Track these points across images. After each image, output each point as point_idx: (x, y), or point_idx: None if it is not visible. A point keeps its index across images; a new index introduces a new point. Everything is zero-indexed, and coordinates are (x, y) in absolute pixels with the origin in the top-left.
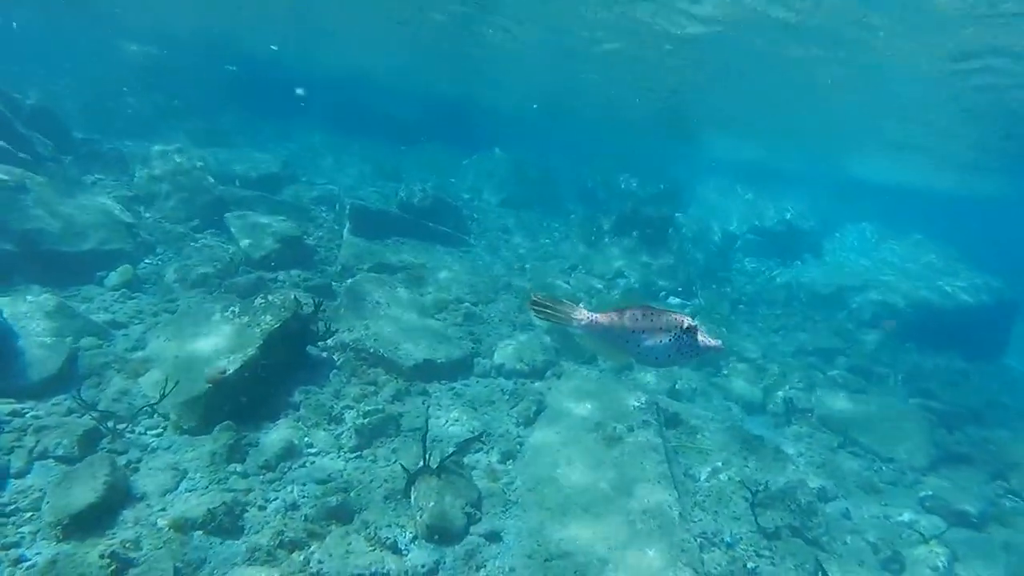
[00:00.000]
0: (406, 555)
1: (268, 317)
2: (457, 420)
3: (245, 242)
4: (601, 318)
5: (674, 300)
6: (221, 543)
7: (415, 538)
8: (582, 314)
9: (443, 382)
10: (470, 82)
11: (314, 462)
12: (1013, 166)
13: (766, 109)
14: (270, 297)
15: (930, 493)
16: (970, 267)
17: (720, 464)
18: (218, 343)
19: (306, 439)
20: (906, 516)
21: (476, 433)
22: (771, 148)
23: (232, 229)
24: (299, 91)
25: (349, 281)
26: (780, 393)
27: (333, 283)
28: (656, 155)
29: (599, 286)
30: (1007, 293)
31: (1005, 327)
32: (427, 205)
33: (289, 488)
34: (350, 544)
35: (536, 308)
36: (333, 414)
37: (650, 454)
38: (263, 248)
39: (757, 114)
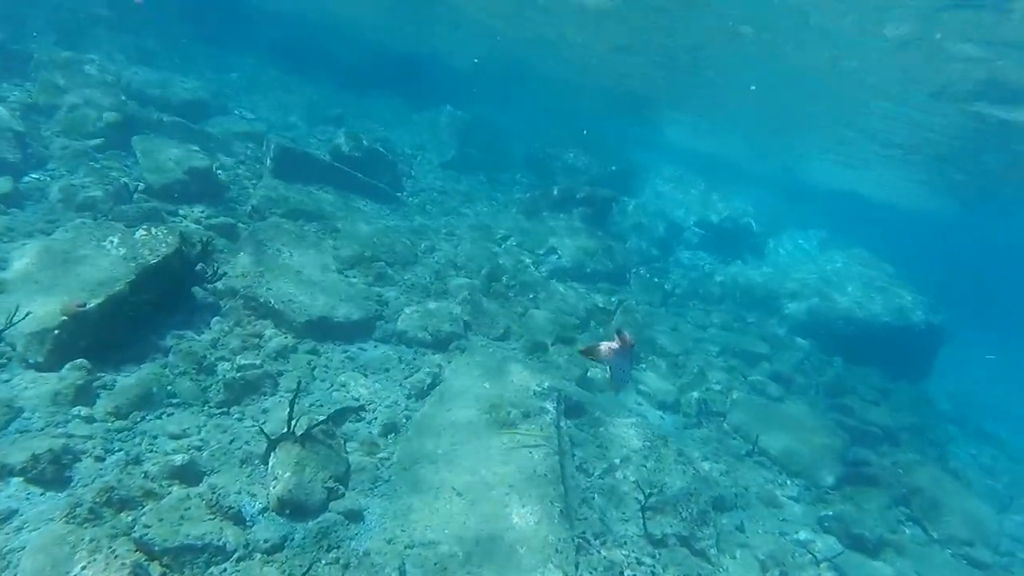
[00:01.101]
0: (250, 527)
1: (146, 251)
2: (344, 385)
3: (148, 169)
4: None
5: (605, 285)
6: (41, 494)
7: (264, 509)
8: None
9: (338, 343)
10: (430, 31)
11: (172, 414)
12: (966, 187)
13: (736, 98)
14: (154, 230)
15: (831, 513)
16: (908, 287)
17: (618, 461)
18: (88, 273)
19: (169, 388)
20: (803, 535)
21: (360, 402)
22: (729, 143)
23: (137, 153)
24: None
25: (256, 224)
26: (695, 393)
27: (240, 224)
28: (615, 134)
29: (528, 260)
30: (938, 317)
31: (931, 351)
32: (360, 156)
33: (137, 440)
34: (188, 509)
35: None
36: (205, 364)
37: (541, 444)
38: (167, 177)
39: (723, 102)
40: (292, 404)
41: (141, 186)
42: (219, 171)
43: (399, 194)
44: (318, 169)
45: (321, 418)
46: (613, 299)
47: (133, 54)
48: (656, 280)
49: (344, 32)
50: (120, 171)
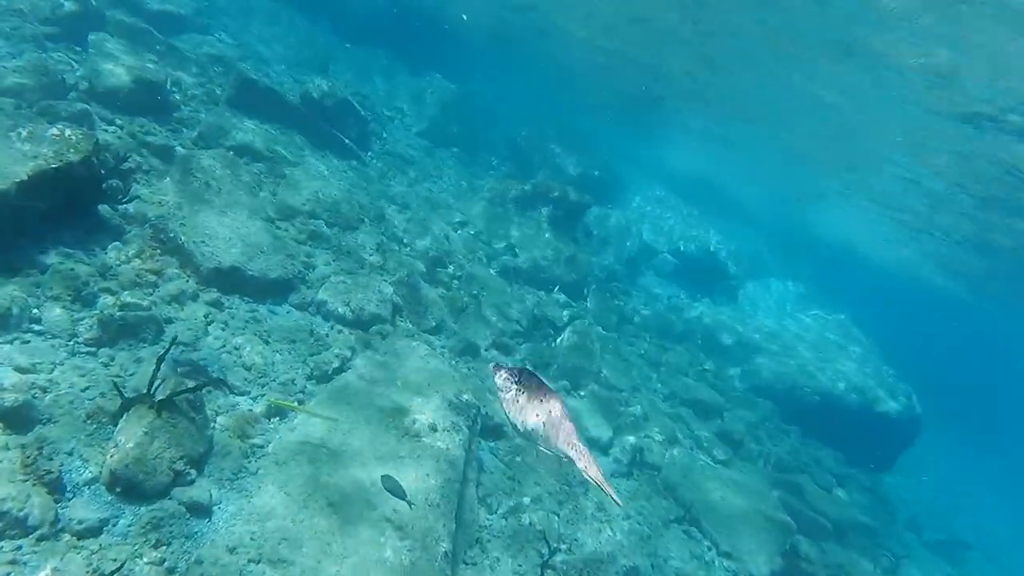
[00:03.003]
0: (65, 502)
1: (50, 153)
2: (236, 349)
3: (95, 69)
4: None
5: (560, 296)
6: None
7: (93, 481)
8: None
9: (247, 299)
10: None
11: (28, 341)
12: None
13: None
14: (68, 132)
15: None
16: (888, 368)
17: (527, 501)
18: None
19: (34, 311)
20: None
21: (255, 372)
22: (725, 169)
23: (91, 50)
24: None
25: (192, 151)
26: (632, 438)
27: (180, 148)
28: (608, 139)
29: (481, 253)
30: (914, 408)
31: (902, 443)
32: (331, 105)
33: None
34: None
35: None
36: (84, 293)
37: (443, 465)
38: (113, 82)
39: (738, 119)
40: (160, 360)
41: (84, 85)
42: (173, 88)
43: (364, 153)
44: (280, 108)
45: (192, 384)
46: (565, 313)
47: None
48: (616, 302)
49: None
50: (67, 65)
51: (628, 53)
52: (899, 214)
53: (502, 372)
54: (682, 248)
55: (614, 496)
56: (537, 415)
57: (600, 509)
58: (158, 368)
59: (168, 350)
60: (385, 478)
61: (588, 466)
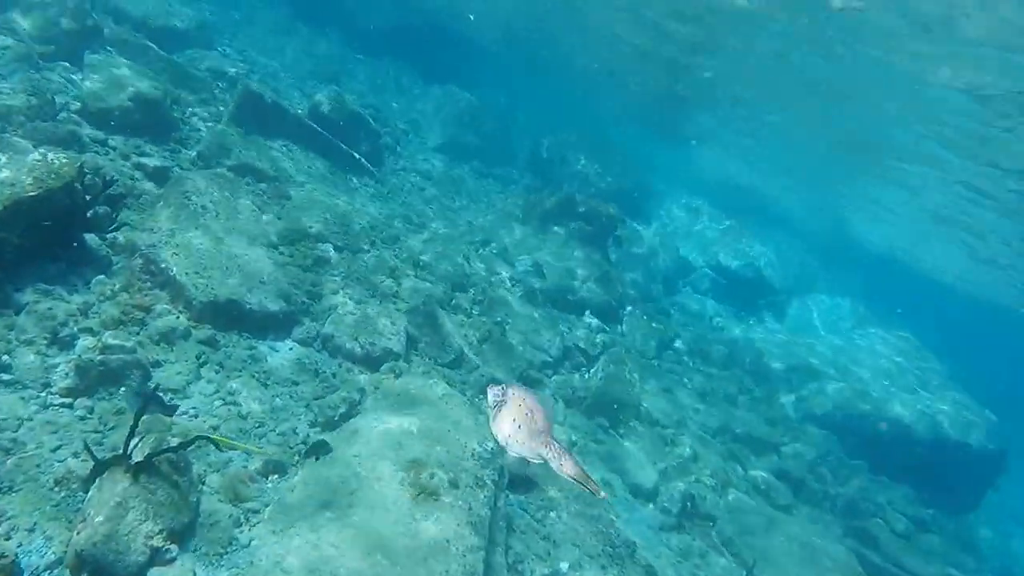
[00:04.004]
0: None
1: (29, 180)
2: (232, 395)
3: (89, 88)
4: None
5: (592, 320)
6: None
7: (56, 564)
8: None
9: (244, 336)
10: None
11: None
12: None
13: (785, 120)
14: (51, 156)
15: None
16: (965, 394)
17: (565, 568)
18: None
19: (3, 358)
20: None
21: (253, 421)
22: (765, 175)
23: (87, 68)
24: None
25: (186, 172)
26: (681, 484)
27: (178, 169)
28: (636, 145)
29: (505, 274)
30: (998, 437)
31: (985, 477)
32: (341, 119)
33: None
34: None
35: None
36: (61, 335)
37: (465, 531)
38: (108, 101)
39: (770, 125)
40: (138, 415)
41: (76, 105)
42: (174, 106)
43: (376, 169)
44: (287, 124)
45: (176, 442)
46: (599, 339)
47: None
48: (654, 325)
49: None
50: (60, 84)
51: (661, 50)
52: (958, 216)
53: (493, 389)
54: (722, 262)
55: (595, 489)
56: (514, 419)
57: (650, 572)
58: (136, 424)
59: (147, 402)
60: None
61: (563, 463)
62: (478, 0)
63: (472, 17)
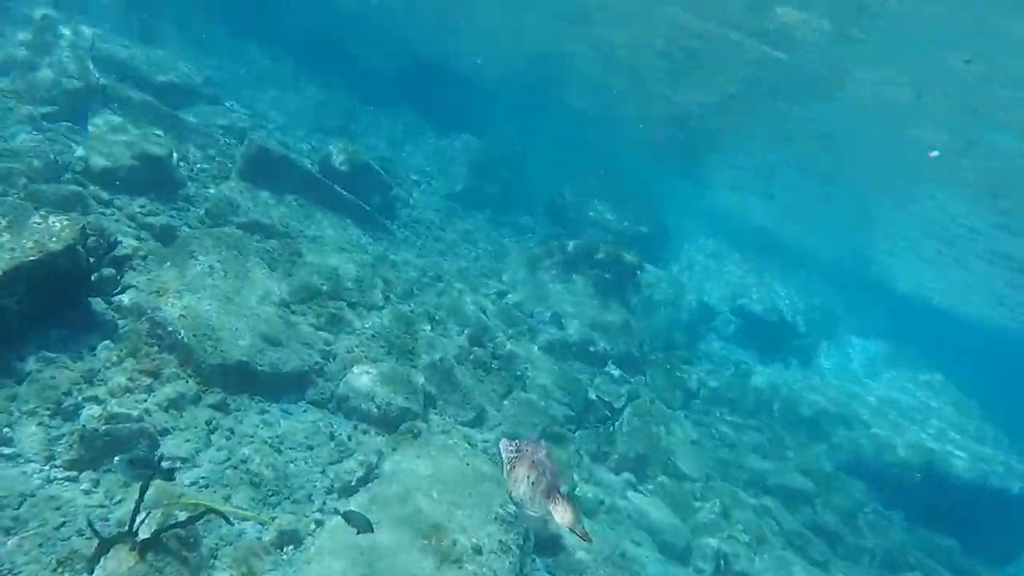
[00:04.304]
0: None
1: (28, 243)
2: (244, 462)
3: (93, 147)
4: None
5: (615, 371)
6: None
7: None
8: None
9: (256, 399)
10: (458, 44)
11: None
12: None
13: (804, 164)
14: (52, 219)
15: None
16: (999, 433)
17: None
18: None
19: (5, 430)
20: None
21: (266, 489)
22: (786, 216)
23: (90, 128)
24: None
25: (193, 231)
26: (713, 541)
27: (186, 228)
28: (654, 191)
29: (524, 327)
30: None
31: None
32: (350, 171)
33: None
34: None
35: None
36: (65, 404)
37: None
38: (111, 159)
39: (789, 168)
40: (143, 489)
41: (80, 166)
42: (180, 163)
43: (388, 222)
44: (297, 178)
45: (185, 517)
46: (623, 391)
47: (138, 31)
48: (678, 374)
49: (376, 33)
50: (64, 144)
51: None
52: (976, 258)
53: (506, 445)
54: (745, 306)
55: (582, 533)
56: (527, 475)
57: None
58: (141, 498)
59: (152, 476)
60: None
61: (566, 516)
62: (485, 46)
63: (480, 61)
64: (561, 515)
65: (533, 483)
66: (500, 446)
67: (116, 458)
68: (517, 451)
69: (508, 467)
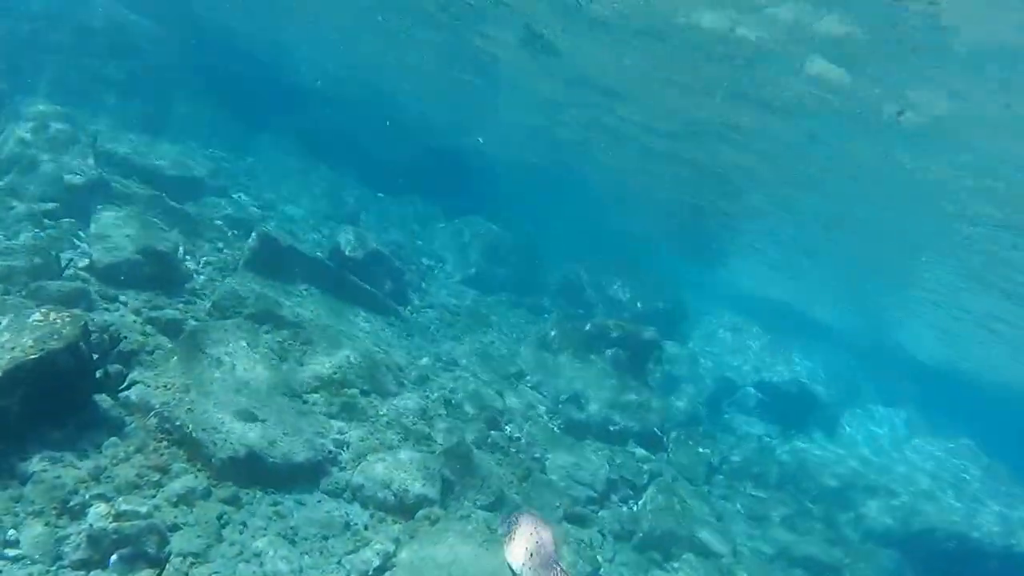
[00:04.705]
0: None
1: (28, 341)
2: (257, 556)
3: (97, 243)
4: None
5: (637, 450)
6: None
7: None
8: None
9: (269, 491)
10: (466, 127)
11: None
12: None
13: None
14: (53, 315)
15: None
16: None
17: None
18: None
19: (10, 532)
20: None
21: None
22: (804, 289)
23: (92, 225)
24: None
25: (199, 324)
26: None
27: (192, 321)
28: (668, 265)
29: (542, 408)
30: None
31: None
32: (361, 257)
33: None
34: None
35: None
36: (72, 503)
37: None
38: (115, 255)
39: (807, 239)
40: None
41: (84, 262)
42: (186, 257)
43: (401, 308)
44: (306, 267)
45: None
46: (645, 468)
47: (140, 122)
48: (701, 450)
49: (385, 120)
50: (67, 242)
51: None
52: (994, 323)
53: (506, 519)
54: (766, 379)
55: None
56: (526, 548)
57: None
58: None
59: (163, 568)
60: None
61: None
62: (494, 129)
63: (481, 139)
64: None
65: (532, 555)
66: (500, 521)
67: (113, 558)
68: (517, 524)
69: (508, 540)
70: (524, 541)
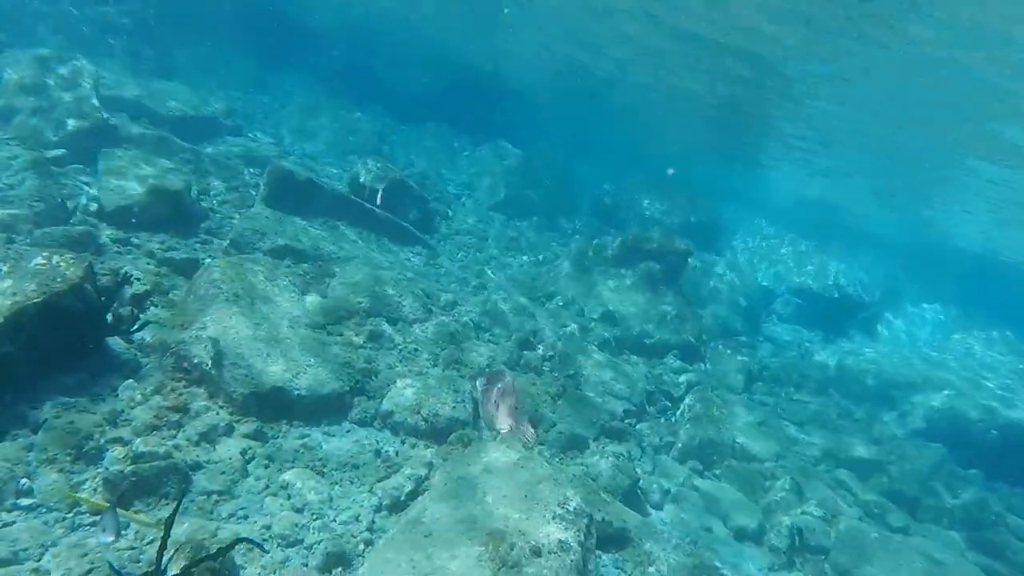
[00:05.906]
0: None
1: (31, 286)
2: (284, 488)
3: (105, 186)
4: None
5: (674, 362)
6: None
7: None
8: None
9: (296, 424)
10: (490, 54)
11: (13, 523)
12: None
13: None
14: (56, 259)
15: None
16: None
17: None
18: None
19: (23, 481)
20: None
21: (310, 513)
22: (842, 187)
23: (100, 169)
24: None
25: (213, 260)
26: (786, 519)
27: (209, 259)
28: (704, 177)
29: (574, 325)
30: None
31: None
32: (383, 188)
33: None
34: None
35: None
36: (86, 448)
37: None
38: (123, 197)
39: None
40: (168, 525)
41: (93, 207)
42: (201, 196)
43: (427, 236)
44: (326, 200)
45: (215, 548)
46: (682, 379)
47: (150, 67)
48: (740, 358)
49: (405, 51)
50: (74, 187)
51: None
52: None
53: (477, 380)
54: (803, 285)
55: (529, 436)
56: (494, 401)
57: None
58: (167, 534)
59: (176, 511)
60: None
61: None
62: (520, 55)
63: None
64: (524, 430)
65: (498, 405)
66: (472, 382)
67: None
68: (487, 383)
69: (481, 398)
70: (494, 395)
